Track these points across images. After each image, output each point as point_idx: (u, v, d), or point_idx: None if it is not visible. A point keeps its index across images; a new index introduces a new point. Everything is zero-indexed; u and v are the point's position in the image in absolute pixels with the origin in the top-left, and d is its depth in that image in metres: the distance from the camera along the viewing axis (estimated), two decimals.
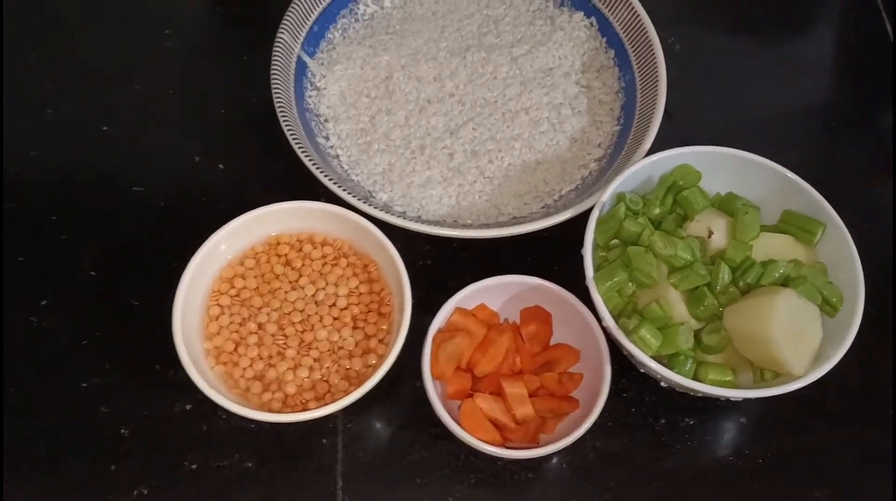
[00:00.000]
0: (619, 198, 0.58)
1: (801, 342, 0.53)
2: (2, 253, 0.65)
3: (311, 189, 0.63)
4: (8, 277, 0.65)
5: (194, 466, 0.58)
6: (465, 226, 0.63)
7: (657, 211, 0.58)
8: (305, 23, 0.68)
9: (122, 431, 0.59)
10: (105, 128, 0.72)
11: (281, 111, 0.62)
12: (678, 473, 0.59)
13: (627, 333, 0.53)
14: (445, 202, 0.64)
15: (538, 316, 0.60)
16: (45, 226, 0.67)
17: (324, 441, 0.59)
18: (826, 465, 0.59)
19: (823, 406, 0.61)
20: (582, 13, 0.71)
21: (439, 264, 0.65)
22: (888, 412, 0.61)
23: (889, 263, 0.67)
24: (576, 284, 0.57)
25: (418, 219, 0.63)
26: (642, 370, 0.56)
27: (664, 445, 0.59)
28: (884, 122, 0.74)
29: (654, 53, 0.66)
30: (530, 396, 0.56)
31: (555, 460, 0.59)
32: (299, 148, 0.61)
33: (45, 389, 0.61)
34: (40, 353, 0.62)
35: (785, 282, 0.55)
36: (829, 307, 0.55)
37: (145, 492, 0.57)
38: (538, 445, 0.55)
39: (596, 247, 0.58)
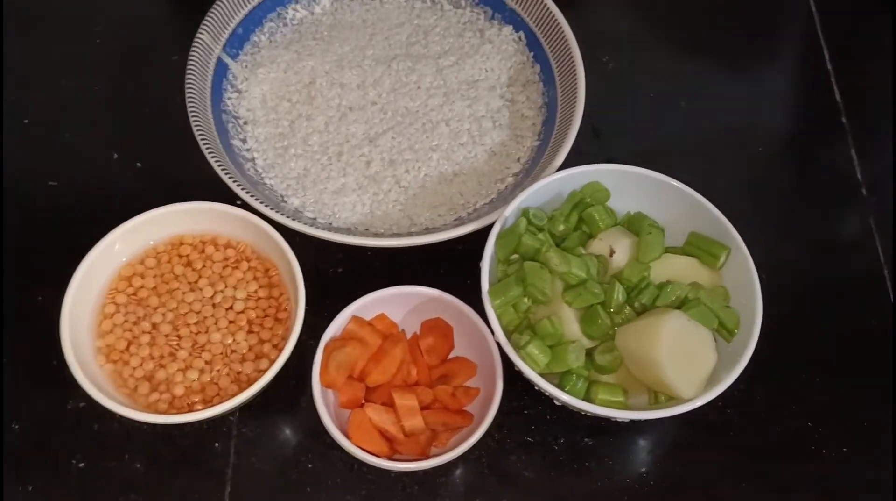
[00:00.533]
0: (524, 213, 0.57)
1: (690, 365, 0.52)
2: None
3: (229, 193, 0.62)
4: None
5: (82, 465, 0.57)
6: (376, 235, 0.62)
7: (561, 228, 0.58)
8: (228, 24, 0.68)
9: (14, 425, 0.59)
10: (26, 121, 0.71)
11: (192, 112, 0.62)
12: (575, 494, 0.58)
13: (517, 348, 0.53)
14: (359, 210, 0.64)
15: (438, 329, 0.59)
16: None
17: (217, 445, 0.59)
18: (724, 493, 0.58)
19: (726, 434, 0.60)
20: (511, 27, 0.71)
21: (350, 273, 0.65)
22: (785, 438, 0.60)
23: (801, 291, 0.66)
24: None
25: (329, 226, 0.63)
26: (536, 388, 0.56)
27: (561, 464, 0.59)
28: (811, 152, 0.74)
29: (574, 69, 0.65)
30: (424, 408, 0.56)
31: (453, 475, 0.58)
32: (207, 149, 0.60)
33: None
34: None
35: (681, 304, 0.54)
36: (725, 332, 0.55)
37: (30, 489, 0.57)
38: (427, 458, 0.54)
39: (497, 261, 0.58)
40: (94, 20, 0.77)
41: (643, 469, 0.59)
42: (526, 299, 0.55)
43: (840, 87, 0.77)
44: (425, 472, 0.57)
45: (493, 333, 0.54)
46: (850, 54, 0.79)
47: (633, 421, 0.59)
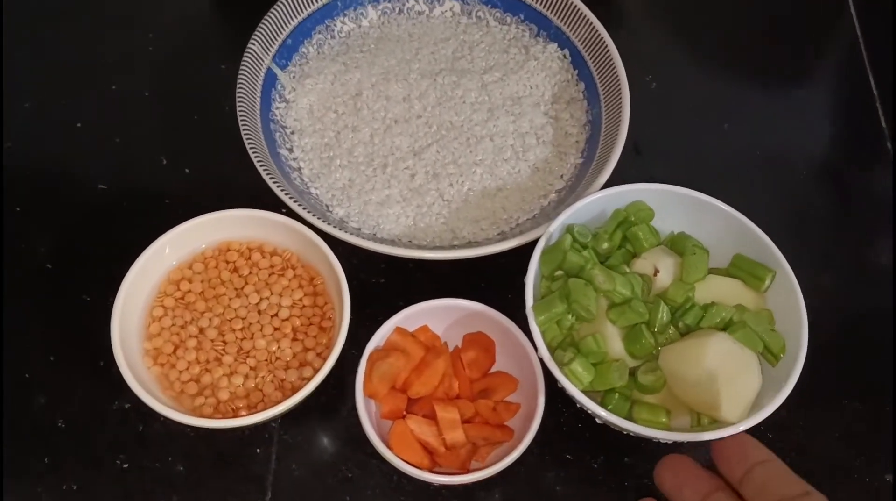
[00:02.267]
0: (568, 229, 0.57)
1: (735, 388, 0.52)
2: None
3: (274, 200, 0.63)
4: None
5: (126, 465, 0.58)
6: (419, 247, 0.63)
7: (605, 245, 0.58)
8: (279, 36, 0.69)
9: (59, 423, 0.60)
10: (78, 124, 0.73)
11: (243, 121, 0.63)
12: None
13: (561, 365, 0.53)
14: (402, 222, 0.64)
15: (480, 342, 0.59)
16: (7, 216, 0.68)
17: (258, 450, 0.59)
18: None
19: None
20: (556, 45, 0.72)
21: (393, 284, 0.65)
22: (825, 465, 0.60)
23: (841, 319, 0.66)
24: (524, 312, 0.56)
25: (373, 237, 0.63)
26: (577, 406, 0.56)
27: (600, 483, 0.59)
28: (855, 177, 0.74)
29: (620, 89, 0.66)
30: (465, 422, 0.56)
31: (490, 490, 0.58)
32: (256, 158, 0.61)
33: None
34: None
35: (726, 326, 0.54)
36: (770, 355, 0.54)
37: (74, 488, 0.58)
38: (468, 472, 0.55)
39: (542, 277, 0.58)
40: (147, 26, 0.79)
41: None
42: (570, 316, 0.55)
43: (885, 111, 0.77)
44: (464, 486, 0.57)
45: (536, 349, 0.54)
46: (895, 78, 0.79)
47: (674, 442, 0.59)
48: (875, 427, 0.61)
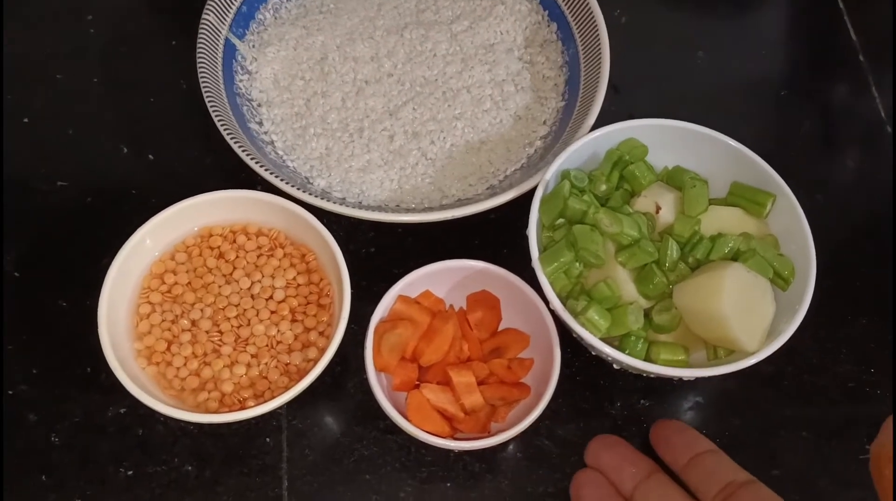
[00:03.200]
0: (564, 175, 0.56)
1: (753, 317, 0.51)
2: None
3: (248, 178, 0.60)
4: None
5: (130, 473, 0.55)
6: (408, 210, 0.60)
7: (603, 187, 0.56)
8: (233, 3, 0.65)
9: (53, 439, 0.56)
10: (26, 119, 0.68)
11: (209, 97, 0.59)
12: None
13: (575, 315, 0.51)
14: (387, 186, 0.62)
15: (485, 301, 0.58)
16: None
17: (268, 439, 0.57)
18: (782, 442, 0.58)
19: (779, 383, 0.60)
20: None
21: (384, 251, 0.63)
22: (845, 388, 0.60)
23: (842, 233, 0.66)
24: (525, 266, 0.54)
25: (359, 205, 0.61)
26: (594, 353, 0.55)
27: (620, 428, 0.58)
28: (834, 92, 0.73)
29: (596, 26, 0.63)
30: (480, 384, 0.54)
31: (510, 448, 0.57)
32: (229, 135, 0.58)
33: None
34: None
35: (735, 256, 0.53)
36: (780, 281, 0.54)
37: None
38: (489, 434, 0.53)
39: (542, 227, 0.56)
40: (85, 9, 0.73)
41: (702, 426, 0.58)
42: (578, 264, 0.53)
43: (853, 22, 0.76)
44: (483, 449, 0.56)
45: (546, 302, 0.53)
46: None
47: (682, 379, 0.58)
48: (882, 342, 0.61)
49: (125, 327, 0.54)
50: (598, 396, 0.59)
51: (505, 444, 0.57)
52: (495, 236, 0.62)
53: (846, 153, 0.71)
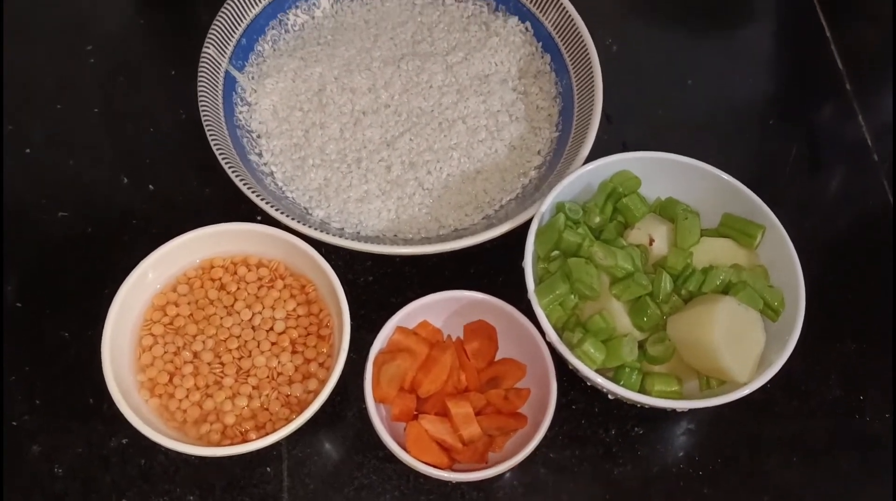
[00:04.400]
0: (559, 208, 0.57)
1: (744, 348, 0.52)
2: None
3: (248, 208, 0.61)
4: None
5: None
6: (405, 241, 0.61)
7: (597, 219, 0.57)
8: (233, 36, 0.66)
9: (56, 470, 0.57)
10: (28, 150, 0.69)
11: (209, 129, 0.60)
12: (630, 483, 0.58)
13: (571, 347, 0.53)
14: (385, 216, 0.63)
15: (482, 331, 0.59)
16: None
17: (268, 469, 0.57)
18: (775, 468, 0.59)
19: (771, 409, 0.61)
20: (517, 18, 0.70)
21: (382, 281, 0.64)
22: (835, 411, 0.61)
23: (831, 259, 0.67)
24: (521, 295, 0.56)
25: (357, 235, 0.61)
26: (589, 383, 0.56)
27: (615, 456, 0.59)
28: (820, 118, 0.75)
29: (589, 57, 0.65)
30: (477, 414, 0.55)
31: (506, 476, 0.58)
32: (229, 167, 0.58)
33: None
34: None
35: (726, 288, 0.55)
36: (770, 312, 0.55)
37: None
38: (487, 464, 0.54)
39: (537, 259, 0.57)
40: (84, 40, 0.74)
41: (695, 452, 0.59)
42: (573, 296, 0.54)
43: (838, 48, 0.78)
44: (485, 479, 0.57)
45: (543, 334, 0.54)
46: (846, 18, 0.80)
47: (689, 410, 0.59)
48: (871, 367, 0.63)
49: (128, 359, 0.55)
50: (592, 423, 0.60)
51: (505, 473, 0.58)
52: (492, 264, 0.63)
53: (833, 178, 0.72)
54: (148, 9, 0.78)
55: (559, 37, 0.68)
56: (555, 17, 0.68)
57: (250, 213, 0.61)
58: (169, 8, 0.78)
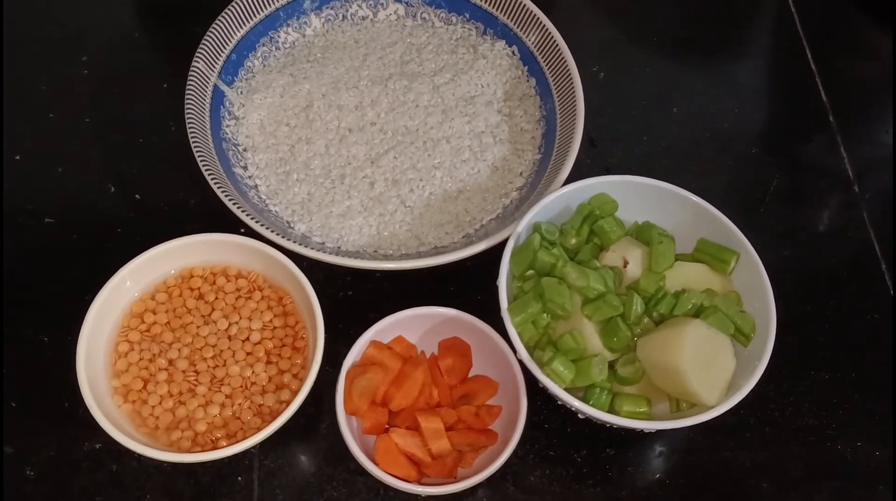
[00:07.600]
0: (535, 228, 0.57)
1: (712, 372, 0.53)
2: None
3: (232, 220, 0.62)
4: None
5: None
6: (385, 257, 0.62)
7: (573, 241, 0.58)
8: (223, 51, 0.67)
9: (28, 472, 0.57)
10: (17, 157, 0.70)
11: (195, 144, 0.61)
12: None
13: (541, 365, 0.53)
14: (366, 232, 0.64)
15: (456, 348, 0.59)
16: None
17: (239, 478, 0.58)
18: (746, 495, 0.59)
19: (743, 436, 0.61)
20: (504, 42, 0.72)
21: (361, 296, 0.65)
22: (808, 440, 0.61)
23: (807, 289, 0.68)
24: (498, 313, 0.56)
25: (338, 250, 0.62)
26: (559, 402, 0.56)
27: (585, 476, 0.59)
28: (803, 150, 0.76)
29: (572, 81, 0.66)
30: (448, 429, 0.56)
31: (477, 493, 0.58)
32: (213, 180, 0.59)
33: None
34: None
35: (698, 312, 0.55)
36: (742, 337, 0.55)
37: None
38: (456, 479, 0.54)
39: (512, 277, 0.58)
40: (80, 50, 0.76)
41: (665, 476, 0.59)
42: (545, 316, 0.55)
43: (823, 82, 0.79)
44: (449, 494, 0.57)
45: (514, 351, 0.54)
46: (831, 52, 0.81)
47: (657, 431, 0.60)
48: (844, 395, 0.63)
49: (103, 364, 0.55)
50: (564, 443, 0.60)
51: (473, 489, 0.58)
52: (470, 282, 0.64)
53: (814, 210, 0.73)
54: (146, 23, 0.79)
55: (544, 61, 0.69)
56: (542, 43, 0.69)
57: (235, 225, 0.62)
58: (167, 23, 0.79)
